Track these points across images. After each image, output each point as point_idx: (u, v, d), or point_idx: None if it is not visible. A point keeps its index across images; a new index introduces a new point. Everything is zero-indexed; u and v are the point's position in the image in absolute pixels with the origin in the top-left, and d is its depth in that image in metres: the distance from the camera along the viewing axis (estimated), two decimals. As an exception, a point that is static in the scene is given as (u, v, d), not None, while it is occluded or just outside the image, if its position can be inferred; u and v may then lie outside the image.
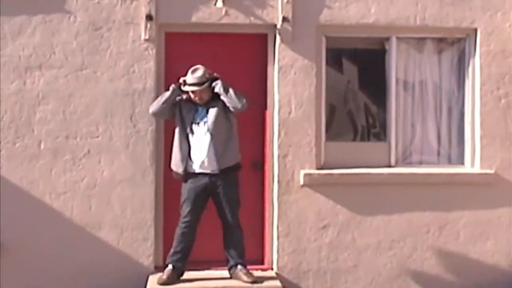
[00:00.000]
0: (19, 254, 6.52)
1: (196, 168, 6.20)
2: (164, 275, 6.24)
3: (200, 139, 6.18)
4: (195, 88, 6.15)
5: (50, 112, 6.59)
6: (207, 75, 6.18)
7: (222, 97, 6.16)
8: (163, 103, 6.22)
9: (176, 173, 6.28)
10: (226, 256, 6.37)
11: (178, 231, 6.29)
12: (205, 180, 6.20)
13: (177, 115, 6.26)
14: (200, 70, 6.18)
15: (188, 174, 6.22)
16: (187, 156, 6.20)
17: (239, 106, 6.15)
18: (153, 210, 6.66)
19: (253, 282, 6.19)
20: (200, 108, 6.24)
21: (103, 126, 6.62)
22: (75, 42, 6.61)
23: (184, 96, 6.28)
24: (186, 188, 6.25)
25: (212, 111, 6.18)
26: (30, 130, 6.57)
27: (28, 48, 6.58)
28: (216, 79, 6.21)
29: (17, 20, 6.56)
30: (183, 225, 6.25)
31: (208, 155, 6.15)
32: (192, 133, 6.21)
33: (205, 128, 6.17)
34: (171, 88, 6.25)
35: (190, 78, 6.19)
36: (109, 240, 6.63)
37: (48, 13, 6.58)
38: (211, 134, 6.15)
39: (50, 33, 6.59)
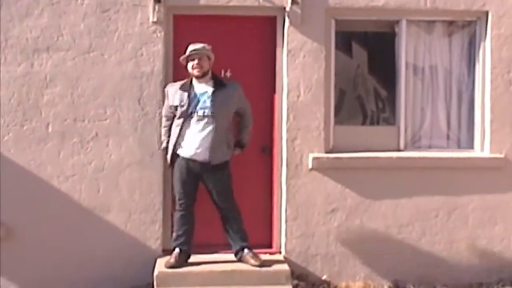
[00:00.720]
0: (27, 236, 6.52)
1: (188, 154, 6.20)
2: (171, 258, 6.26)
3: (199, 130, 6.16)
4: (194, 52, 6.15)
5: (57, 95, 6.56)
6: (207, 47, 6.22)
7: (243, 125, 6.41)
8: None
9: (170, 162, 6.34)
10: (229, 241, 6.40)
11: (176, 216, 6.33)
12: (195, 165, 6.21)
13: (175, 107, 6.27)
14: (200, 43, 6.24)
15: (178, 157, 6.24)
16: (176, 147, 6.24)
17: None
18: (161, 193, 6.65)
19: (260, 265, 6.20)
20: (200, 97, 6.20)
21: (111, 109, 6.59)
22: (82, 24, 6.56)
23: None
24: (176, 171, 6.28)
25: (216, 103, 6.15)
26: (38, 113, 6.55)
27: (35, 30, 6.54)
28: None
29: (24, 2, 6.52)
30: (180, 208, 6.28)
31: (203, 146, 6.15)
32: (190, 122, 6.18)
33: (207, 119, 6.15)
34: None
35: (189, 48, 6.22)
36: (117, 223, 6.63)
37: (56, -6, 6.56)
38: (213, 127, 6.14)
39: (57, 15, 6.54)
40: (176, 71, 6.69)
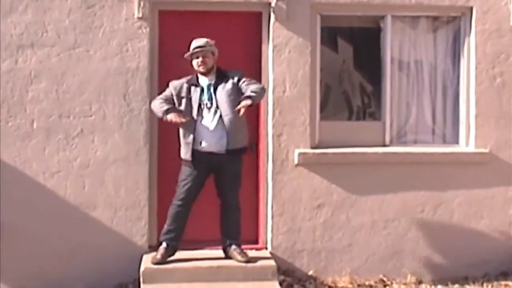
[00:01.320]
0: (12, 233, 6.48)
1: (203, 148, 6.16)
2: (158, 254, 6.24)
3: (210, 121, 6.13)
4: (198, 50, 6.13)
5: (42, 91, 6.53)
6: (210, 43, 6.20)
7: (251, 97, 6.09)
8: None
9: (185, 160, 6.20)
10: (221, 235, 6.37)
11: (172, 210, 6.27)
12: (211, 158, 6.15)
13: (177, 102, 6.20)
14: (203, 38, 6.21)
15: (194, 152, 6.16)
16: (191, 143, 6.14)
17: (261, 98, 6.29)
18: (147, 189, 6.64)
19: (247, 262, 6.20)
20: (205, 89, 6.19)
21: (96, 105, 6.57)
22: (67, 20, 6.54)
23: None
24: (188, 165, 6.20)
25: (222, 93, 6.13)
26: (23, 109, 6.52)
27: (20, 26, 6.51)
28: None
29: (8, -2, 6.50)
30: (179, 203, 6.22)
31: (218, 137, 6.12)
32: (201, 115, 6.15)
33: (216, 110, 6.12)
34: (161, 113, 6.18)
35: (193, 44, 6.20)
36: (103, 219, 6.61)
37: (40, -10, 6.53)
38: (222, 116, 6.11)
39: (42, 11, 6.52)
40: (162, 67, 6.69)
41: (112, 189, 6.61)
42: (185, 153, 6.19)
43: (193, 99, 6.18)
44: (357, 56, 7.16)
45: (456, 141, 7.12)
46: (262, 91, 6.20)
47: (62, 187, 6.57)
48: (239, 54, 6.82)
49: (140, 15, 6.56)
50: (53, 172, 6.56)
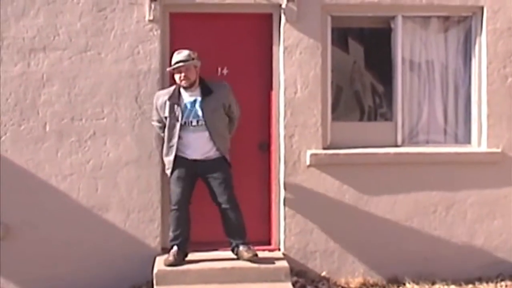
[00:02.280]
0: (26, 236, 6.51)
1: (189, 157, 6.23)
2: (170, 256, 6.25)
3: (195, 137, 6.18)
4: (180, 64, 6.12)
5: (55, 94, 6.56)
6: (192, 56, 6.16)
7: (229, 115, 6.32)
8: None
9: (170, 168, 6.29)
10: (227, 237, 6.39)
11: (172, 216, 6.31)
12: (196, 164, 6.22)
13: (165, 118, 6.27)
14: (184, 51, 6.18)
15: (178, 158, 6.23)
16: (172, 160, 6.23)
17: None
18: (159, 191, 6.65)
19: (253, 257, 6.20)
20: (189, 106, 6.20)
21: (108, 107, 6.59)
22: (79, 24, 6.57)
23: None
24: (175, 170, 6.26)
25: (207, 109, 6.15)
26: (35, 112, 6.55)
27: (31, 29, 6.54)
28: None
29: (20, 2, 6.52)
30: (176, 207, 6.27)
31: (203, 150, 6.20)
32: (185, 131, 6.18)
33: (200, 125, 6.16)
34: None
35: (174, 58, 6.19)
36: (116, 221, 6.63)
37: (52, -6, 6.56)
38: (207, 130, 6.15)
39: (53, 14, 6.54)
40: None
41: (125, 191, 6.63)
42: (168, 162, 6.27)
43: (177, 117, 6.18)
44: (368, 57, 7.16)
45: (468, 141, 7.11)
46: (232, 131, 6.43)
47: (75, 189, 6.59)
48: (250, 56, 6.83)
49: (151, 17, 6.58)
50: (66, 174, 6.58)
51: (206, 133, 6.16)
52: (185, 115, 6.18)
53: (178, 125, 6.17)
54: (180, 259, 6.26)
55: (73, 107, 6.57)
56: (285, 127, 6.75)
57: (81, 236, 6.57)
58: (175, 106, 6.20)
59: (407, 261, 6.87)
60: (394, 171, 6.85)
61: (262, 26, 6.84)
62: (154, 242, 6.65)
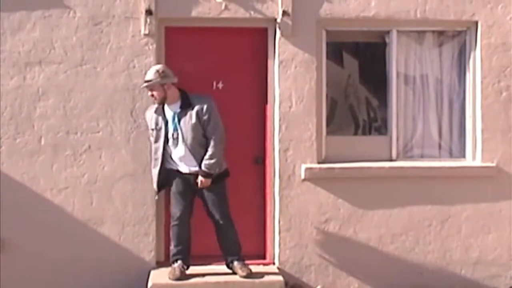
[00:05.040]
0: (20, 250, 6.51)
1: (181, 170, 6.27)
2: (176, 270, 6.24)
3: (178, 150, 6.22)
4: (144, 84, 6.21)
5: (50, 108, 6.57)
6: (160, 74, 6.15)
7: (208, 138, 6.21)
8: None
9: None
10: (222, 253, 6.40)
11: (173, 231, 6.33)
12: (190, 178, 6.24)
13: (151, 130, 6.32)
14: (153, 69, 6.21)
15: (172, 171, 6.27)
16: (157, 174, 6.28)
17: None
18: (154, 205, 6.65)
19: (247, 276, 6.20)
20: (170, 120, 6.23)
21: (104, 121, 6.61)
22: (74, 37, 6.59)
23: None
24: (173, 184, 6.30)
25: (186, 125, 6.16)
26: (31, 126, 6.56)
27: (27, 43, 6.56)
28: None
29: (16, 16, 6.54)
30: (176, 222, 6.30)
31: (188, 164, 6.22)
32: (170, 144, 6.23)
33: (182, 139, 6.19)
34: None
35: (145, 76, 6.27)
36: (111, 235, 6.63)
37: (48, 8, 6.56)
38: (186, 146, 6.18)
39: (49, 28, 6.57)
40: (168, 83, 6.72)
41: (120, 205, 6.63)
42: (154, 174, 6.34)
43: (161, 130, 6.24)
44: (363, 71, 7.18)
45: (462, 155, 7.12)
46: (219, 148, 6.20)
47: (69, 203, 6.59)
48: (245, 70, 6.86)
49: (147, 31, 6.60)
50: (61, 188, 6.59)
51: (184, 147, 6.19)
52: (168, 128, 6.23)
53: (162, 138, 6.22)
54: (184, 272, 6.26)
55: (69, 121, 6.58)
56: (280, 141, 6.76)
57: (76, 250, 6.56)
58: (159, 118, 6.26)
59: (402, 275, 6.87)
60: (388, 185, 6.86)
61: (257, 40, 6.87)
62: (148, 255, 6.64)
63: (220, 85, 6.82)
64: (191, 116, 6.17)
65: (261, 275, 6.31)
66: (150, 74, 6.19)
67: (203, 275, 6.32)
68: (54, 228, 6.56)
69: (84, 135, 6.60)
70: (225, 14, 6.68)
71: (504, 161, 6.95)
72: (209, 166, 6.14)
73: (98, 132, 6.61)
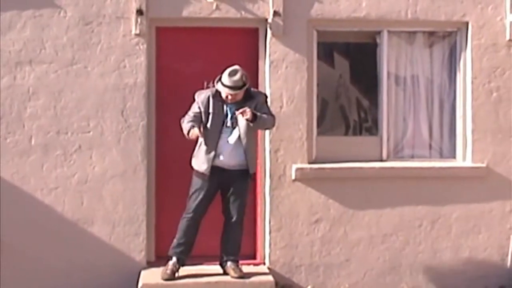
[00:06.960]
0: (10, 249, 6.49)
1: (219, 162, 6.12)
2: (167, 269, 6.20)
3: (231, 139, 6.06)
4: (231, 91, 6.00)
5: (40, 108, 6.56)
6: (244, 79, 6.03)
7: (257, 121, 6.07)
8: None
9: (201, 173, 6.15)
10: (220, 250, 6.36)
11: (183, 223, 6.22)
12: (223, 174, 6.14)
13: (204, 118, 6.13)
14: (238, 74, 6.01)
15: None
16: (212, 158, 6.09)
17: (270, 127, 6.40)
18: (144, 205, 6.64)
19: (239, 277, 6.19)
20: (228, 110, 6.12)
21: (94, 121, 6.60)
22: (65, 37, 6.58)
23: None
24: (202, 178, 6.16)
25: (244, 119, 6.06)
26: (21, 126, 6.55)
27: (18, 43, 6.55)
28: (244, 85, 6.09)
29: (7, 15, 6.53)
30: (190, 216, 6.19)
31: (235, 155, 6.10)
32: (223, 132, 6.10)
33: (236, 131, 6.07)
34: (187, 130, 6.09)
35: (226, 79, 6.01)
36: (101, 235, 6.62)
37: (38, 8, 6.55)
38: (242, 140, 6.09)
39: (40, 28, 6.56)
40: (159, 83, 6.73)
41: (110, 205, 6.62)
42: (203, 166, 6.12)
43: (218, 115, 6.11)
44: (354, 71, 7.19)
45: (453, 155, 7.14)
46: (269, 123, 6.22)
47: (60, 203, 6.58)
48: (236, 70, 6.85)
49: (138, 31, 6.60)
50: (51, 188, 6.58)
51: (238, 136, 6.07)
52: (226, 116, 6.12)
53: (218, 124, 6.09)
54: (176, 271, 6.20)
55: (59, 121, 6.57)
56: (270, 141, 6.76)
57: (66, 250, 6.55)
58: (219, 104, 6.11)
59: (392, 275, 6.88)
60: (379, 186, 6.87)
61: (248, 41, 6.87)
62: (139, 255, 6.63)
63: (211, 85, 6.81)
64: (249, 105, 6.05)
65: (252, 275, 6.30)
66: (234, 82, 5.99)
67: (194, 275, 6.30)
68: (44, 228, 6.55)
69: (75, 135, 6.59)
70: (216, 14, 6.68)
71: (495, 161, 6.97)
72: (259, 116, 6.03)
73: (89, 132, 6.60)
